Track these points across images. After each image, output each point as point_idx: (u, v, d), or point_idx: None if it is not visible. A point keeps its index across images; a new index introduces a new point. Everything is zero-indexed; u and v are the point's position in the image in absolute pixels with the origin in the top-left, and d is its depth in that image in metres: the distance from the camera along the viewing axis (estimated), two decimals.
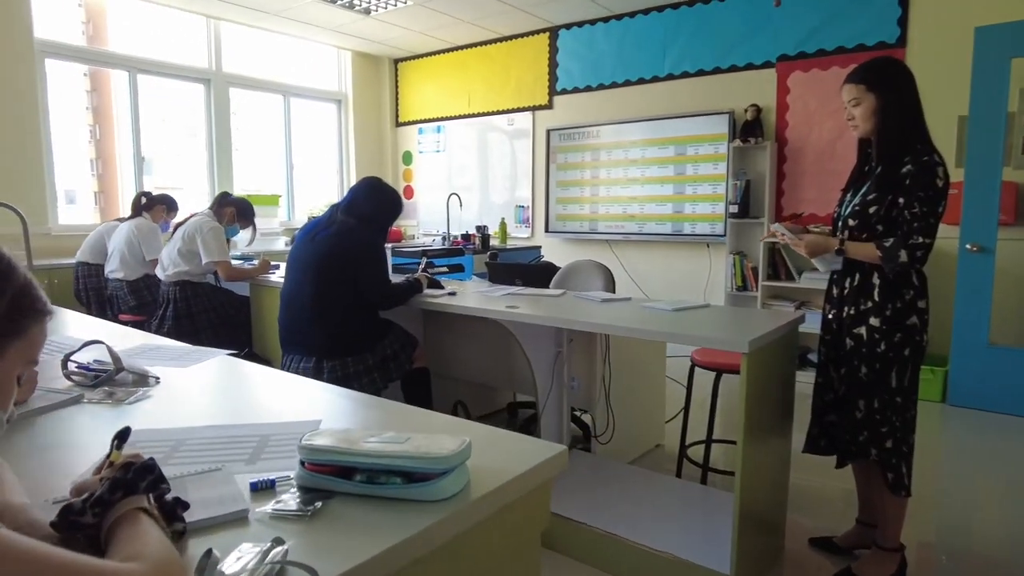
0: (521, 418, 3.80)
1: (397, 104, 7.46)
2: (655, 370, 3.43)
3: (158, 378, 1.55)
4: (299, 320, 2.72)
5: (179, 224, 3.84)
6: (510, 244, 5.57)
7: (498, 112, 6.60)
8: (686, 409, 2.95)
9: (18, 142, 4.79)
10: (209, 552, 0.75)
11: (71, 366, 1.57)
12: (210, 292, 3.79)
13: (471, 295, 3.04)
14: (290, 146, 6.83)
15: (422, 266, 3.48)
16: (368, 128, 7.36)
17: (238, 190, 6.20)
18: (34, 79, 4.87)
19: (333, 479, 0.93)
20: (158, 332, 3.64)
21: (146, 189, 4.65)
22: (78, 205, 11.11)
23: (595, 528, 2.36)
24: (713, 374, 2.72)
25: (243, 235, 4.23)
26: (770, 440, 2.26)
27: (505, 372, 3.41)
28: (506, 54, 6.47)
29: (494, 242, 5.33)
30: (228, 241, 3.91)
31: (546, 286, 3.59)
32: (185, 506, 0.83)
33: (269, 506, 0.90)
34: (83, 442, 1.20)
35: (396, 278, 3.57)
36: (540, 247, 5.55)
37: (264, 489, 0.96)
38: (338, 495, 0.93)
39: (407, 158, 7.46)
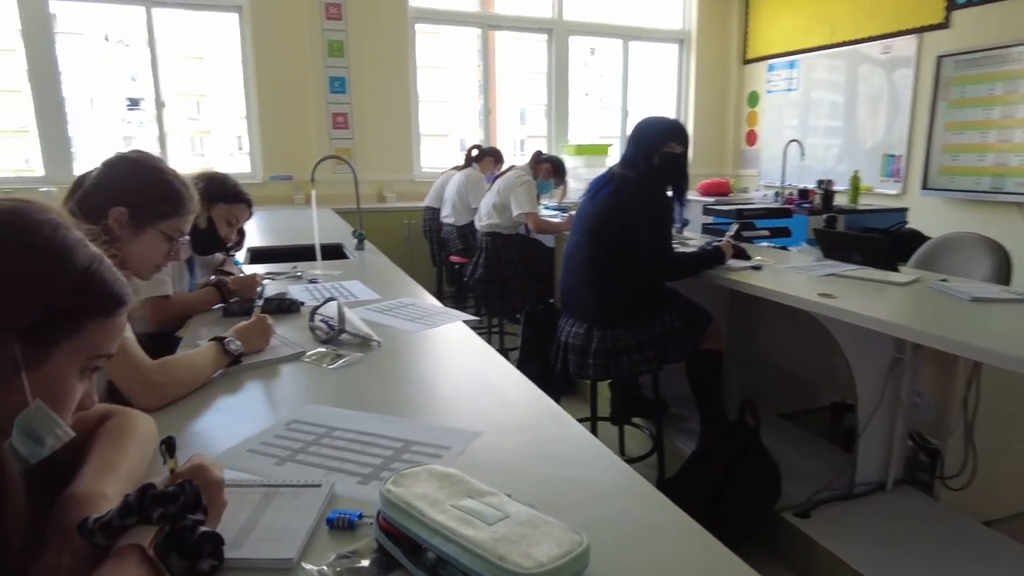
0: (846, 424, 3.07)
1: (746, 39, 6.63)
2: None
3: (379, 342, 1.51)
4: (574, 282, 2.54)
5: (498, 176, 3.97)
6: (863, 204, 4.51)
7: (870, 39, 5.34)
8: None
9: (393, 99, 5.53)
10: None
11: (317, 319, 1.62)
12: (519, 243, 3.86)
13: (781, 271, 2.47)
14: (626, 92, 6.63)
15: (732, 230, 2.96)
16: (711, 68, 6.72)
17: (572, 139, 6.28)
18: (406, 43, 5.52)
19: (399, 551, 0.68)
20: (471, 277, 3.88)
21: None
22: None
23: None
24: None
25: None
26: None
27: (823, 368, 2.76)
28: None
29: (841, 201, 4.37)
30: (539, 196, 3.91)
31: (898, 265, 2.75)
32: (217, 542, 0.67)
33: (324, 563, 0.70)
34: (262, 400, 1.18)
35: (702, 240, 3.15)
36: (906, 210, 4.38)
37: (342, 528, 0.77)
38: (402, 570, 0.68)
39: (753, 99, 6.64)
